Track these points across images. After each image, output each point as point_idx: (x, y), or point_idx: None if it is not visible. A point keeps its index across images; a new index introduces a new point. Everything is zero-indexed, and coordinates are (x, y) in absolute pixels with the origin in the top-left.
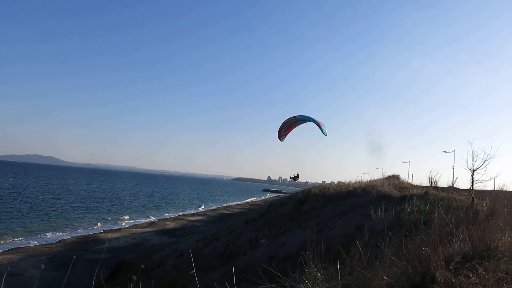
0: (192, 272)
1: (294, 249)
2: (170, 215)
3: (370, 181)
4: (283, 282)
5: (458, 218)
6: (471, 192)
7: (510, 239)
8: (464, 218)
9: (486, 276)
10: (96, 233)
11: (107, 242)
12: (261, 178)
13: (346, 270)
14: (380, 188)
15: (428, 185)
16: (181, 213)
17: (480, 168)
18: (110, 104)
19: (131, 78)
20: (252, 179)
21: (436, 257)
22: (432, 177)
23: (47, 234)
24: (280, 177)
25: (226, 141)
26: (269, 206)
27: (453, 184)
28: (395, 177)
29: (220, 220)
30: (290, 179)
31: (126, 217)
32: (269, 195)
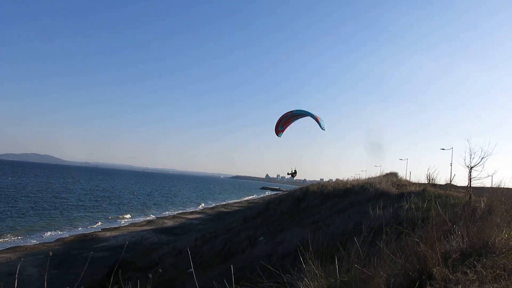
0: (190, 270)
1: (293, 247)
2: (170, 213)
3: (368, 178)
4: (281, 279)
5: (455, 215)
6: (468, 189)
7: (508, 235)
8: (461, 215)
9: (484, 272)
10: (94, 232)
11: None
12: (259, 176)
13: (344, 267)
14: (378, 186)
15: (426, 182)
16: (179, 212)
17: (477, 165)
18: (108, 103)
19: (128, 76)
20: (250, 177)
21: (433, 254)
22: (430, 174)
23: (47, 233)
24: (278, 175)
25: (224, 139)
26: (268, 204)
27: (450, 181)
28: (393, 175)
29: (218, 218)
30: (288, 175)
31: (127, 216)
32: (267, 193)
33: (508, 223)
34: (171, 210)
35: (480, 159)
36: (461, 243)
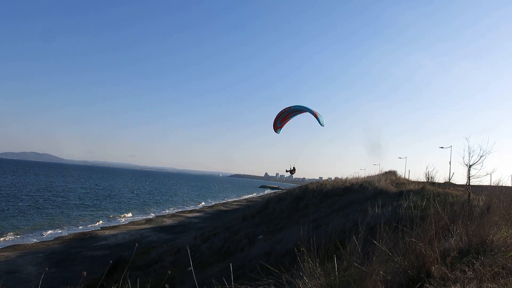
0: (189, 268)
1: (292, 245)
2: (169, 212)
3: (367, 177)
4: (280, 278)
5: (454, 213)
6: (467, 187)
7: (506, 234)
8: (460, 213)
9: (482, 270)
10: (93, 230)
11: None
12: (258, 175)
13: (343, 266)
14: (377, 184)
15: (425, 180)
16: (178, 210)
17: (476, 163)
18: (106, 101)
19: (127, 75)
20: (250, 175)
21: (432, 252)
22: (429, 172)
23: (47, 231)
24: (277, 174)
25: (223, 138)
26: (267, 202)
27: (449, 180)
28: (392, 173)
29: (217, 217)
30: (287, 173)
31: (129, 215)
32: (266, 192)
33: (506, 222)
34: (173, 208)
35: (479, 158)
36: (459, 241)
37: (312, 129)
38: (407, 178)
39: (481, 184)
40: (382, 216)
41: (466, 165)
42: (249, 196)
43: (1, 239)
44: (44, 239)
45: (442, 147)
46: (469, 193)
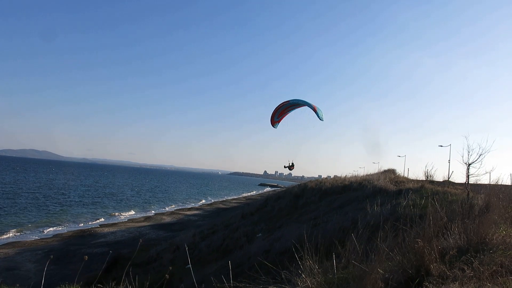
0: (188, 266)
1: (290, 243)
2: (169, 210)
3: (366, 175)
4: (279, 276)
5: (453, 211)
6: (466, 186)
7: (505, 232)
8: (459, 211)
9: (481, 269)
10: (92, 228)
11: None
12: (257, 173)
13: (342, 264)
14: (376, 182)
15: (424, 179)
16: (178, 208)
17: (475, 162)
18: (106, 99)
19: (126, 72)
20: (249, 173)
21: (431, 251)
22: (428, 171)
23: (47, 228)
24: (276, 172)
25: (222, 136)
26: (266, 200)
27: (448, 178)
28: (391, 171)
29: (216, 215)
30: (285, 168)
31: (131, 212)
32: (265, 190)
33: (505, 220)
34: (172, 206)
35: (478, 156)
36: (458, 239)
37: (311, 124)
38: (406, 176)
39: (480, 182)
40: (381, 214)
41: (465, 163)
42: (248, 194)
43: (1, 236)
44: (43, 236)
45: (441, 146)
46: (468, 191)
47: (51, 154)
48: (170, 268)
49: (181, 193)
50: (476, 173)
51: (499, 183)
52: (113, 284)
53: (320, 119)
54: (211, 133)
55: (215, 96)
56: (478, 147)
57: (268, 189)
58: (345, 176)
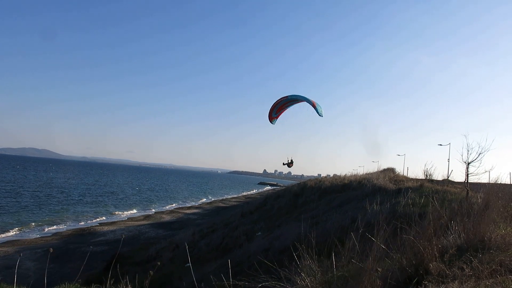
0: (188, 264)
1: (290, 242)
2: (169, 208)
3: (366, 174)
4: (278, 274)
5: (452, 210)
6: (466, 184)
7: (504, 231)
8: (458, 210)
9: (480, 268)
10: (92, 226)
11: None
12: (257, 171)
13: (341, 262)
14: (375, 181)
15: (423, 178)
16: (177, 206)
17: (475, 161)
18: (105, 98)
19: (125, 71)
20: (248, 172)
21: (430, 249)
22: (427, 170)
23: (48, 227)
24: (276, 170)
25: (221, 134)
26: (265, 199)
27: (448, 177)
28: (391, 170)
29: (216, 213)
30: (285, 166)
31: (133, 211)
32: (265, 188)
33: (505, 219)
34: (173, 205)
35: (477, 155)
36: (457, 238)
37: (310, 120)
38: (406, 175)
39: (479, 181)
40: (381, 213)
41: (465, 162)
42: (247, 192)
43: (2, 235)
44: (43, 235)
45: (440, 145)
46: (468, 190)
47: (51, 153)
48: (158, 263)
49: (181, 191)
50: (475, 172)
51: (499, 182)
52: (112, 282)
53: (319, 115)
54: (210, 132)
55: (214, 95)
56: (478, 145)
57: (268, 188)
58: (345, 175)
